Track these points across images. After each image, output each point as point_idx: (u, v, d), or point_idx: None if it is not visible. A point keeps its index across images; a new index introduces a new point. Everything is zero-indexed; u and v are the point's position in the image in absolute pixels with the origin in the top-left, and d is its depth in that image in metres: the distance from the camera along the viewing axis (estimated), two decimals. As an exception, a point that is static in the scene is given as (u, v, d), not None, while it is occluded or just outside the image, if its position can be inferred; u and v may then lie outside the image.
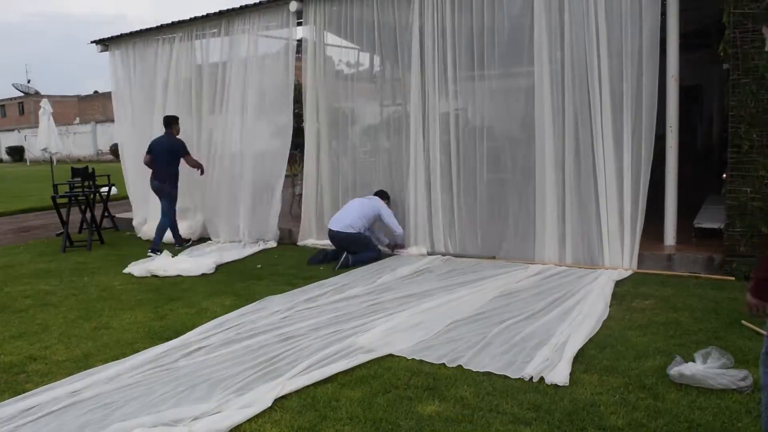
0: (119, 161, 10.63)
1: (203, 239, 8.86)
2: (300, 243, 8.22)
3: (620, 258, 6.18)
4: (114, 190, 11.67)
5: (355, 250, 6.92)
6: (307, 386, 3.56)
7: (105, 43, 10.25)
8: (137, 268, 6.83)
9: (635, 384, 3.45)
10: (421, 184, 7.34)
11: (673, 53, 6.15)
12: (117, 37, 10.00)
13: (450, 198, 7.22)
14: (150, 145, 8.20)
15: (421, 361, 3.91)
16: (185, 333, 4.62)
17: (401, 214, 7.52)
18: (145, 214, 9.61)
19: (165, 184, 8.04)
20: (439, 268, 6.57)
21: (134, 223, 9.84)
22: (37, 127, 15.17)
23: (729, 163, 5.71)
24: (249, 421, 3.18)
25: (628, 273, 5.97)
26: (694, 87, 12.07)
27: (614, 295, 5.23)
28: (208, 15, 8.85)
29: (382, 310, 5.03)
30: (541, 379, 3.55)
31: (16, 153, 50.33)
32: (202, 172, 8.39)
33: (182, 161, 8.19)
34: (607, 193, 6.23)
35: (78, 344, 4.50)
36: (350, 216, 7.05)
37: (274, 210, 8.35)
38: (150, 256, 7.45)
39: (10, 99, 58.14)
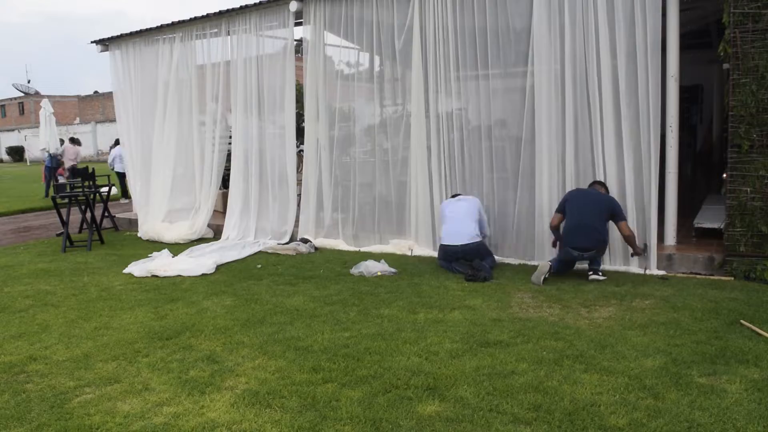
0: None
1: (204, 239, 8.86)
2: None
3: (620, 258, 6.18)
4: (114, 190, 11.70)
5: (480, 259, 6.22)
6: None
7: (105, 43, 10.25)
8: (137, 268, 6.84)
9: (635, 384, 3.45)
10: (421, 184, 7.33)
11: (673, 53, 6.13)
12: (117, 37, 9.99)
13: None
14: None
15: (422, 360, 3.91)
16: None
17: (402, 214, 7.53)
18: (146, 213, 9.60)
19: None
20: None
21: (139, 222, 9.78)
22: (37, 127, 15.20)
23: (729, 163, 5.71)
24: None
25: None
26: (694, 87, 12.08)
27: (614, 295, 5.24)
28: (208, 15, 8.85)
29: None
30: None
31: (16, 153, 50.33)
32: None
33: None
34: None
35: (78, 344, 4.51)
36: (466, 224, 6.33)
37: (286, 210, 8.36)
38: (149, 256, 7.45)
39: (10, 99, 58.17)
